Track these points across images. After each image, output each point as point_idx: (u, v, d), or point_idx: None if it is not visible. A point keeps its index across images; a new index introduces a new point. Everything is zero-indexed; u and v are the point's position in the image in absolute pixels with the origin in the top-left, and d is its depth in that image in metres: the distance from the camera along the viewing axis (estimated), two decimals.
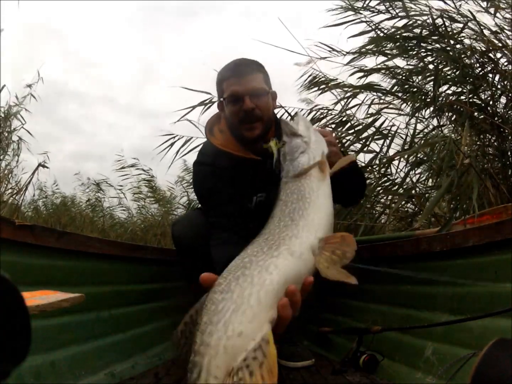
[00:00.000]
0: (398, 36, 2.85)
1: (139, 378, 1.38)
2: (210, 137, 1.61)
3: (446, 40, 2.67)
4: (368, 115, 3.01)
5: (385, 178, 3.01)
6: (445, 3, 2.71)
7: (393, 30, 2.92)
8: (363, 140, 2.92)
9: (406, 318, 1.41)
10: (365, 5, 2.93)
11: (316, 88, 3.36)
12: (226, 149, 1.57)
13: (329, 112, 3.24)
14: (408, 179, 2.91)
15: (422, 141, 2.89)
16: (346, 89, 3.07)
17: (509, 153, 2.52)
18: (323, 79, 3.30)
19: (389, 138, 2.88)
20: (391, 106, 2.94)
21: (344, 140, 3.06)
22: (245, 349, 0.58)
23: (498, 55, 2.62)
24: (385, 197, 3.11)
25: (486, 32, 2.63)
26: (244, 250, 0.73)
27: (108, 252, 1.56)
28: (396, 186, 2.94)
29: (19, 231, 1.15)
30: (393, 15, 2.89)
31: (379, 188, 3.04)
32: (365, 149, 2.92)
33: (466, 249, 1.20)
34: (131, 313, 1.67)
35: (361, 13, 2.96)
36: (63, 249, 1.32)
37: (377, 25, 2.93)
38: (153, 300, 1.86)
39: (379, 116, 2.95)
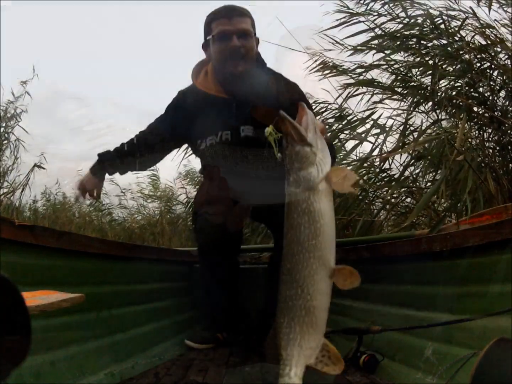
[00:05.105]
0: (399, 35, 2.86)
1: (139, 378, 1.38)
2: (193, 79, 1.75)
3: (444, 37, 2.68)
4: (367, 109, 3.00)
5: (384, 174, 3.01)
6: None
7: (393, 29, 2.93)
8: (362, 135, 2.91)
9: (406, 318, 1.41)
10: (367, 9, 2.95)
11: (321, 72, 3.35)
12: (202, 87, 1.71)
13: (329, 106, 3.26)
14: (407, 173, 2.90)
15: (421, 136, 2.87)
16: (346, 83, 3.07)
17: (509, 147, 2.50)
18: (331, 64, 3.32)
19: (386, 130, 2.86)
20: (393, 97, 2.93)
21: (341, 136, 3.07)
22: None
23: (497, 50, 2.61)
24: (385, 192, 3.09)
25: (484, 24, 2.63)
26: (279, 293, 0.93)
27: (108, 252, 1.56)
28: (394, 180, 2.93)
29: (19, 231, 1.15)
30: (394, 16, 2.90)
31: (378, 183, 3.04)
32: (362, 144, 2.90)
33: (466, 249, 1.20)
34: (131, 313, 1.66)
35: (364, 18, 2.97)
36: (63, 249, 1.32)
37: (376, 24, 2.94)
38: (153, 300, 1.86)
39: (377, 109, 2.94)
